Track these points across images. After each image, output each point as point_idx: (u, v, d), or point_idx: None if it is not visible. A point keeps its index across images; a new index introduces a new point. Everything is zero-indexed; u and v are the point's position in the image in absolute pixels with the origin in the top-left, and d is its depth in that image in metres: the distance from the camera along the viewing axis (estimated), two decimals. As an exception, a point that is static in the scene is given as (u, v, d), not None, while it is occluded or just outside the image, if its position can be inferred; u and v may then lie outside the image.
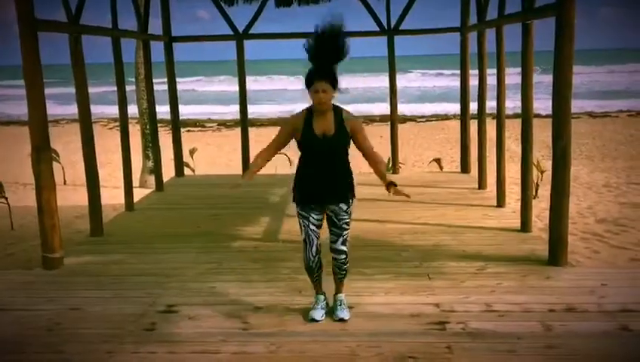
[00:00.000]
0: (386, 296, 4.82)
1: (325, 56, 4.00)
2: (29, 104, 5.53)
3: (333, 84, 4.03)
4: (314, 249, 4.27)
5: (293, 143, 4.28)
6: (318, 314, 4.38)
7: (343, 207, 4.24)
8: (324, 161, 4.18)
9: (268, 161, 4.30)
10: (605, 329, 4.16)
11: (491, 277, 5.17)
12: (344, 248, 4.28)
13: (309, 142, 4.14)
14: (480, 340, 4.04)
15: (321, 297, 4.48)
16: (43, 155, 5.61)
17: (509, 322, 4.30)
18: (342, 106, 4.21)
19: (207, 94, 46.36)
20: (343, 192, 4.24)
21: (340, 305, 4.42)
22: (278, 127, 4.30)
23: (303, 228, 4.28)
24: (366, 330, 4.21)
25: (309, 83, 4.04)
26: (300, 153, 4.29)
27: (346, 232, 4.28)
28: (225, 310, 4.64)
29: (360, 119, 4.33)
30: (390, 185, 4.10)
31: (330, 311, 4.43)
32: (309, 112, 4.16)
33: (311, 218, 4.26)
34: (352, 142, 4.21)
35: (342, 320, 4.33)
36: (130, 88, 7.83)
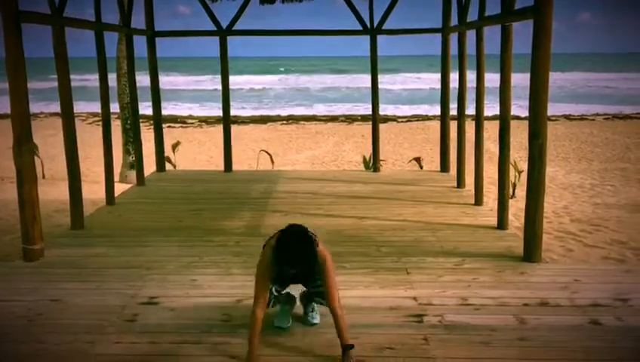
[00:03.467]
0: (366, 290, 4.91)
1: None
2: (11, 97, 5.52)
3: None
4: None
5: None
6: (284, 322, 4.25)
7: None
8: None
9: (263, 314, 3.86)
10: (576, 322, 4.29)
11: (468, 272, 5.29)
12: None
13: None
14: (456, 332, 4.15)
15: (286, 306, 4.32)
16: (25, 148, 5.60)
17: (484, 315, 4.42)
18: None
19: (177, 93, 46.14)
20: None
21: (312, 311, 4.33)
22: (255, 277, 3.98)
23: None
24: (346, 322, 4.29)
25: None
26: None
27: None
28: (206, 302, 4.69)
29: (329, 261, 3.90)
30: (346, 350, 3.73)
31: (301, 319, 4.32)
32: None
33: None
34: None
35: (313, 325, 4.26)
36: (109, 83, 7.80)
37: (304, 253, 3.74)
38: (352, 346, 3.73)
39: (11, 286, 5.08)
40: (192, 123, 26.31)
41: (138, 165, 9.19)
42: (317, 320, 4.31)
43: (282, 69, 74.91)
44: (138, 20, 9.54)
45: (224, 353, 3.92)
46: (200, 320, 4.38)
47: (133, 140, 10.82)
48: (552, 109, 28.75)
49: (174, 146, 13.24)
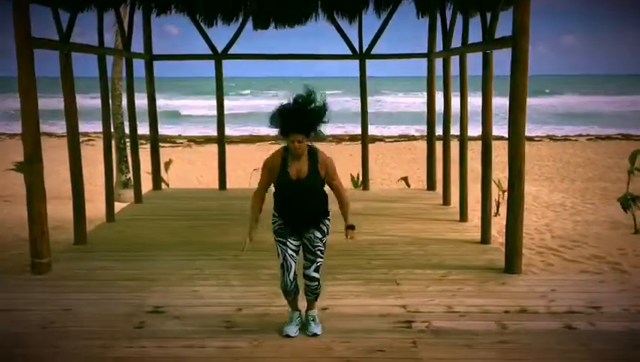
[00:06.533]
0: (358, 299, 5.26)
1: (298, 126, 4.17)
2: (22, 117, 5.85)
3: (309, 133, 4.21)
4: (292, 274, 4.38)
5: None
6: (292, 330, 4.53)
7: (318, 235, 4.43)
8: (299, 199, 4.35)
9: (262, 201, 4.48)
10: (553, 327, 4.66)
11: (453, 282, 5.65)
12: (316, 275, 4.42)
13: (283, 185, 4.35)
14: (442, 336, 4.50)
15: (296, 314, 4.62)
16: (35, 167, 5.92)
17: (468, 321, 4.78)
18: (317, 148, 4.38)
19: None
20: (317, 220, 4.43)
21: (313, 320, 4.57)
22: (261, 168, 4.48)
23: (280, 252, 4.43)
24: (339, 328, 4.63)
25: (284, 133, 4.21)
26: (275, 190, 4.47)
27: (319, 259, 4.44)
28: (209, 311, 5.01)
29: (332, 161, 4.42)
30: (348, 229, 4.44)
31: (303, 327, 4.59)
32: (285, 151, 4.34)
33: (288, 243, 4.42)
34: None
35: (315, 335, 4.49)
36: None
37: (308, 97, 4.15)
38: (353, 226, 4.44)
39: (22, 297, 5.38)
40: (182, 142, 26.58)
41: (136, 183, 9.50)
42: (319, 331, 4.54)
43: (275, 93, 74.95)
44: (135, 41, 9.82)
45: (227, 355, 4.24)
46: (203, 326, 4.69)
47: (127, 159, 11.09)
48: (537, 130, 29.47)
49: (167, 164, 13.53)
